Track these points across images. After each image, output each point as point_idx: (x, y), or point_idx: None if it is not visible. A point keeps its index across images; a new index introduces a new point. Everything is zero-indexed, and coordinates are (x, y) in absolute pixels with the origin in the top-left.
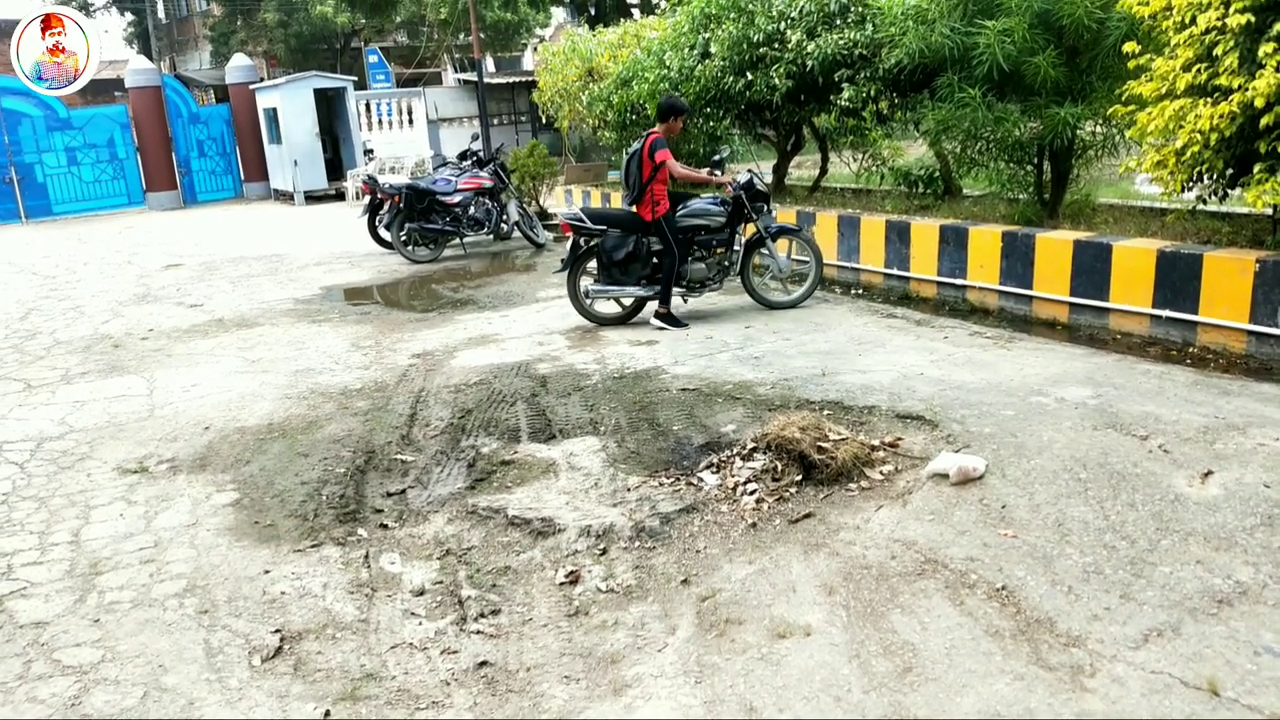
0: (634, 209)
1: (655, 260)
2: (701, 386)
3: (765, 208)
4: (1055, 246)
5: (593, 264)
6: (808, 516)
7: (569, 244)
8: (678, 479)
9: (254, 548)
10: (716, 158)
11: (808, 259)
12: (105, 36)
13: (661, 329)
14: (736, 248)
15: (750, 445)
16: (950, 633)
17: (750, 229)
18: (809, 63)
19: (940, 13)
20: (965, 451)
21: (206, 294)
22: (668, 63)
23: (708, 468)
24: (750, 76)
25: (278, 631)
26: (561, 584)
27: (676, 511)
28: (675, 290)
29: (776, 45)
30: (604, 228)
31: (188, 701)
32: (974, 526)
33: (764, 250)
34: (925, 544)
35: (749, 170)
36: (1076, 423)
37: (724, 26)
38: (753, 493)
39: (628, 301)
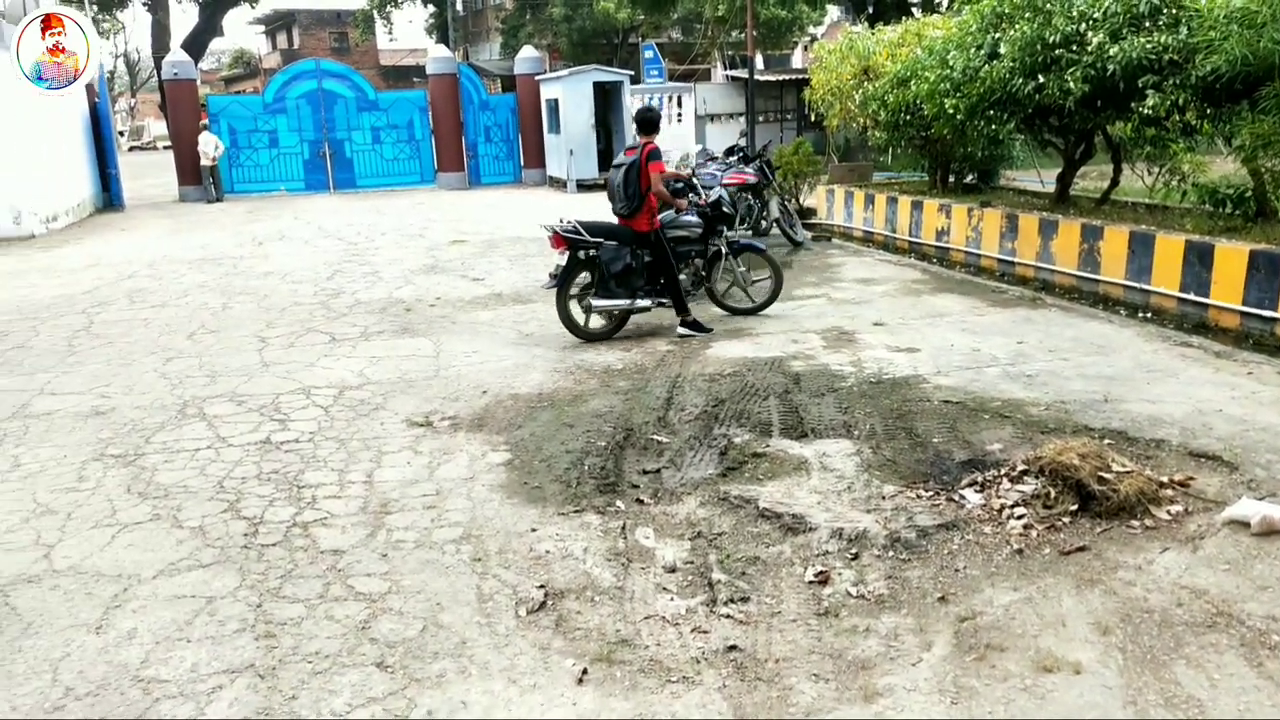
0: (626, 221)
1: (647, 272)
2: (966, 400)
3: (738, 219)
4: None
5: (581, 278)
6: (1082, 549)
7: (564, 258)
8: (937, 493)
9: (523, 506)
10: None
11: (766, 274)
12: (409, 26)
13: (690, 335)
14: (713, 257)
15: (1021, 467)
16: (1245, 694)
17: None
18: (1110, 66)
19: (1271, 16)
20: (1271, 500)
21: (487, 269)
22: (950, 62)
23: (971, 485)
24: (1041, 79)
25: (542, 587)
26: (811, 582)
27: (935, 526)
28: (637, 301)
29: (1074, 47)
30: (600, 240)
31: (460, 641)
32: (1278, 583)
33: (727, 262)
34: (1218, 595)
35: (720, 187)
36: None
37: (1017, 26)
38: (1020, 517)
39: (613, 315)
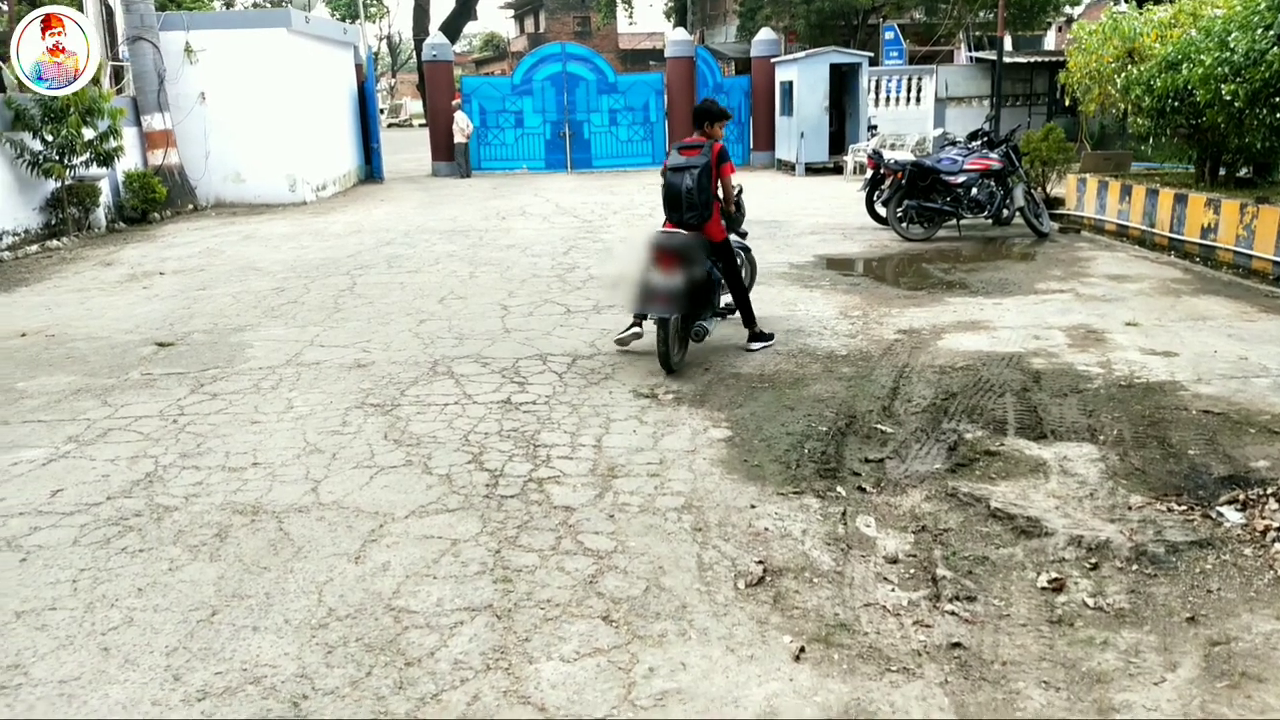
0: (696, 230)
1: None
2: (1229, 411)
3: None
4: None
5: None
6: None
7: (677, 277)
8: (1191, 508)
9: (742, 483)
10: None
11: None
12: (649, 10)
13: (764, 347)
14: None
15: None
16: None
17: None
18: None
19: None
20: None
21: None
22: (1231, 44)
23: (1230, 503)
24: None
25: (761, 563)
26: (1044, 589)
27: (1187, 543)
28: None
29: None
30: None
31: (680, 605)
32: None
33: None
34: None
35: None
36: None
37: None
38: None
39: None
